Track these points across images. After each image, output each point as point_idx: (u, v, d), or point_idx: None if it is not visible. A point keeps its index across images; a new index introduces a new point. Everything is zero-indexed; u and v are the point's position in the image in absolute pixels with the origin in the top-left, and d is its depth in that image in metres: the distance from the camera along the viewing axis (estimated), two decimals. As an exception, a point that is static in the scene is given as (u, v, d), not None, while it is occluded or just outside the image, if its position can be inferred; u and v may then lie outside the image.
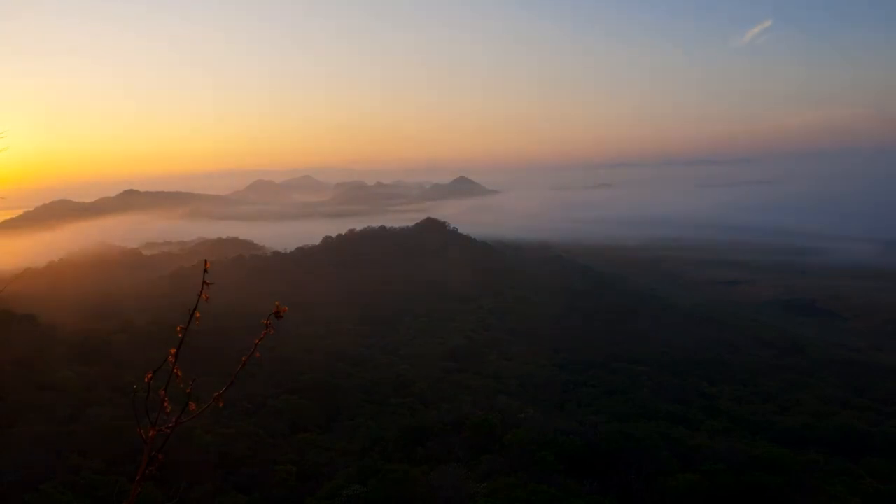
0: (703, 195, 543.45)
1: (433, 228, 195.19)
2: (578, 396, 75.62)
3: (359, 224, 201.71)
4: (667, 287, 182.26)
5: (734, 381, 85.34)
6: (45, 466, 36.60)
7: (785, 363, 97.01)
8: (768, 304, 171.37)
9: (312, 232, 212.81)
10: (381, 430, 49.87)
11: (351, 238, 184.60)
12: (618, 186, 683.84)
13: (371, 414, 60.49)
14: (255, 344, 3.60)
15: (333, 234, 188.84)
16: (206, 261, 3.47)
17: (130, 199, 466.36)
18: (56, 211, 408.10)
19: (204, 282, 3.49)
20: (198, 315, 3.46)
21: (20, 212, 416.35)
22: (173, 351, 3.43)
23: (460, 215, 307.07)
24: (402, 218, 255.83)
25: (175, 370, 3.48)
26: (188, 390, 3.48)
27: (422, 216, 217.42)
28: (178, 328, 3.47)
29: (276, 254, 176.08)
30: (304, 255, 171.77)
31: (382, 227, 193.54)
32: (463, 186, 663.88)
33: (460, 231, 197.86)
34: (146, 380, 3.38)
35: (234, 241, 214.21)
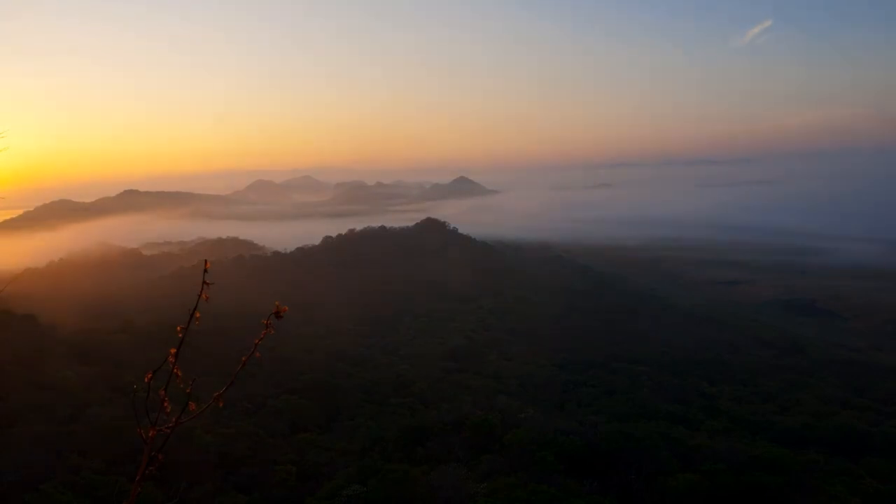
0: (703, 195, 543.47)
1: (433, 228, 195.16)
2: (578, 396, 75.60)
3: (359, 224, 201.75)
4: (667, 287, 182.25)
5: (734, 381, 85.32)
6: (45, 466, 36.58)
7: (785, 363, 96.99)
8: (768, 304, 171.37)
9: (312, 232, 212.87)
10: (381, 430, 49.86)
11: (351, 238, 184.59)
12: (618, 186, 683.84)
13: (371, 414, 60.48)
14: (255, 344, 3.60)
15: (333, 234, 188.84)
16: (206, 261, 3.47)
17: (130, 200, 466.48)
18: (56, 211, 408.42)
19: (204, 282, 3.49)
20: (198, 315, 3.46)
21: (20, 212, 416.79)
22: (173, 351, 3.43)
23: (460, 215, 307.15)
24: (402, 218, 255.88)
25: (175, 370, 3.48)
26: (188, 390, 3.48)
27: (422, 216, 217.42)
28: (178, 328, 3.47)
29: (276, 254, 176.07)
30: (304, 255, 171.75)
31: (382, 227, 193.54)
32: (463, 186, 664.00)
33: (460, 231, 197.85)
34: (146, 380, 3.38)
35: (234, 241, 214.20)
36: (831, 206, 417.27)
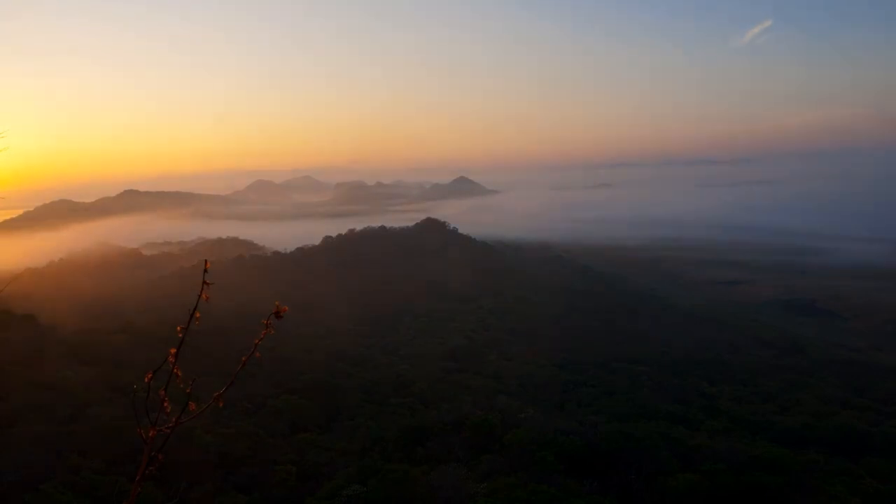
0: (704, 195, 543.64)
1: (433, 228, 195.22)
2: (578, 396, 75.60)
3: (359, 224, 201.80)
4: (667, 287, 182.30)
5: (734, 381, 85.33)
6: (45, 466, 36.57)
7: (785, 363, 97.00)
8: (768, 304, 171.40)
9: (312, 232, 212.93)
10: (381, 430, 49.84)
11: (351, 238, 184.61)
12: (618, 186, 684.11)
13: (371, 414, 60.46)
14: (255, 344, 3.60)
15: (333, 234, 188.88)
16: (206, 261, 3.47)
17: (130, 199, 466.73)
18: (56, 211, 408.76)
19: (204, 282, 3.49)
20: (198, 315, 3.46)
21: (20, 212, 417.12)
22: (173, 351, 3.43)
23: (460, 215, 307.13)
24: (402, 218, 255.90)
25: (175, 370, 3.48)
26: (188, 390, 3.48)
27: (422, 216, 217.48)
28: (178, 328, 3.47)
29: (276, 254, 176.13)
30: (304, 255, 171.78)
31: (382, 227, 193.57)
32: (463, 186, 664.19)
33: (460, 231, 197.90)
34: (146, 380, 3.38)
35: (234, 241, 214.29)
36: (831, 205, 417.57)
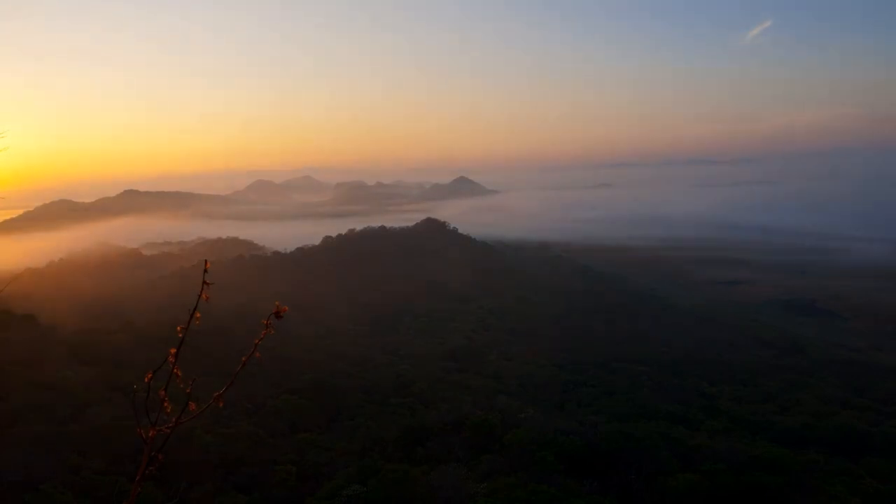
0: (704, 195, 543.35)
1: (433, 228, 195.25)
2: (578, 396, 75.59)
3: (359, 224, 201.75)
4: (667, 287, 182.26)
5: (734, 381, 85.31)
6: (45, 466, 36.57)
7: (785, 363, 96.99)
8: (768, 304, 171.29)
9: (312, 232, 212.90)
10: (381, 430, 49.84)
11: (351, 238, 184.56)
12: (618, 186, 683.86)
13: (371, 414, 60.43)
14: (255, 344, 3.59)
15: (333, 234, 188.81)
16: (206, 261, 3.47)
17: (130, 199, 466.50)
18: (56, 211, 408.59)
19: (204, 282, 3.49)
20: (198, 315, 3.46)
21: (20, 212, 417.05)
22: (173, 351, 3.43)
23: (460, 215, 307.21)
24: (402, 218, 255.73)
25: (175, 370, 3.48)
26: (188, 390, 3.48)
27: (422, 216, 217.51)
28: (178, 328, 3.46)
29: (276, 254, 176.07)
30: (304, 255, 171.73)
31: (382, 227, 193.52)
32: (463, 186, 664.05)
33: (460, 231, 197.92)
34: (146, 380, 3.38)
35: (234, 241, 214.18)
36: (831, 206, 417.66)
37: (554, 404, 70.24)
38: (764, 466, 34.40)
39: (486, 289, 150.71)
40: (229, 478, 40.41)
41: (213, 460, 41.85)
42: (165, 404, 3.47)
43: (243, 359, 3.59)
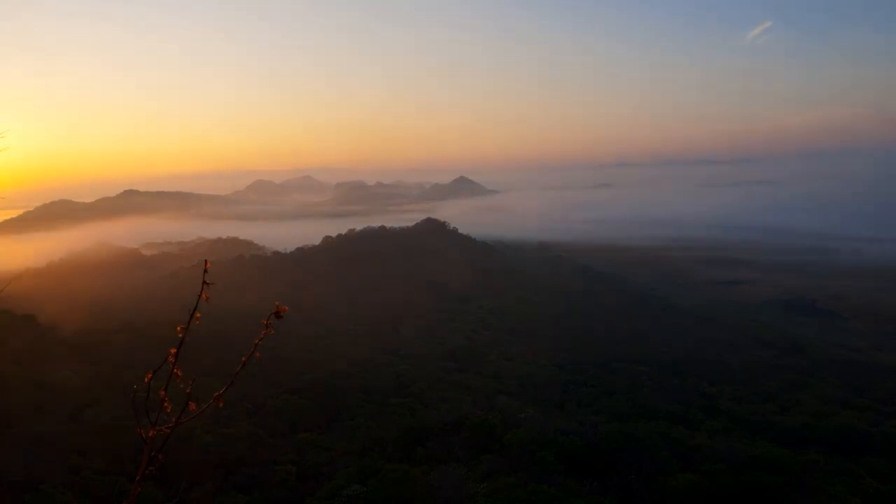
0: (704, 195, 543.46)
1: (433, 228, 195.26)
2: (578, 396, 75.59)
3: (359, 224, 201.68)
4: (667, 287, 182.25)
5: (734, 381, 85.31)
6: (45, 466, 36.58)
7: (785, 363, 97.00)
8: (768, 304, 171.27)
9: (312, 232, 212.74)
10: (381, 430, 49.86)
11: (351, 238, 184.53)
12: (618, 186, 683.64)
13: (371, 414, 60.45)
14: (255, 344, 3.59)
15: (333, 234, 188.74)
16: (206, 261, 3.47)
17: (130, 199, 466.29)
18: (56, 211, 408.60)
19: (204, 282, 3.49)
20: (198, 315, 3.46)
21: (20, 212, 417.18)
22: (173, 351, 3.43)
23: (460, 215, 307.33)
24: (402, 218, 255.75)
25: (175, 370, 3.48)
26: (188, 390, 3.48)
27: (422, 216, 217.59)
28: (178, 328, 3.46)
29: (276, 254, 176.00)
30: (304, 255, 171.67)
31: (382, 227, 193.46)
32: (463, 186, 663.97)
33: (460, 231, 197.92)
34: (146, 380, 3.38)
35: (234, 241, 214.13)
36: (831, 205, 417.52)
37: (554, 404, 70.23)
38: (764, 466, 34.40)
39: (486, 289, 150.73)
40: (229, 478, 40.44)
41: (213, 460, 41.88)
42: (165, 404, 3.47)
43: (243, 359, 3.59)
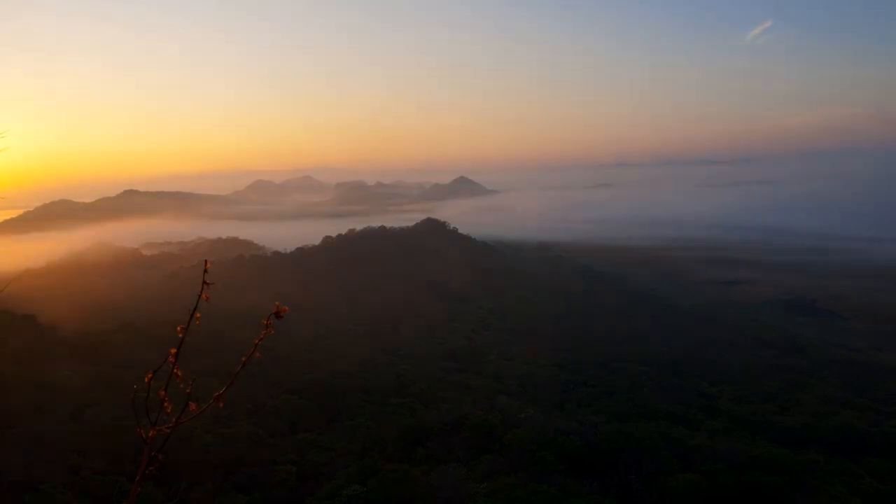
0: (704, 195, 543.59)
1: (433, 228, 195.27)
2: (578, 396, 75.60)
3: (359, 224, 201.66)
4: (667, 287, 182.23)
5: (734, 381, 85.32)
6: (45, 466, 36.59)
7: (785, 363, 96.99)
8: (768, 304, 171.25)
9: (312, 232, 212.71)
10: (381, 430, 49.85)
11: (351, 238, 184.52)
12: (618, 186, 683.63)
13: (371, 414, 60.46)
14: (256, 344, 3.59)
15: (333, 234, 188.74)
16: (206, 261, 3.46)
17: (130, 199, 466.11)
18: (56, 211, 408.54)
19: (204, 282, 3.48)
20: (198, 315, 3.46)
21: (20, 212, 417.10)
22: (173, 351, 3.42)
23: (460, 215, 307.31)
24: (402, 218, 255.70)
25: (175, 370, 3.48)
26: (188, 390, 3.48)
27: (422, 216, 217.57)
28: (178, 328, 3.46)
29: (276, 254, 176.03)
30: (304, 255, 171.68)
31: (382, 227, 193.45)
32: (463, 186, 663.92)
33: (460, 231, 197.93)
34: (146, 380, 3.38)
35: (234, 241, 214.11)
36: (831, 205, 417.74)
37: (554, 404, 70.24)
38: (764, 466, 34.40)
39: (486, 289, 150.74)
40: (229, 478, 40.44)
41: (213, 460, 41.89)
42: (165, 404, 3.47)
43: (243, 359, 3.59)
